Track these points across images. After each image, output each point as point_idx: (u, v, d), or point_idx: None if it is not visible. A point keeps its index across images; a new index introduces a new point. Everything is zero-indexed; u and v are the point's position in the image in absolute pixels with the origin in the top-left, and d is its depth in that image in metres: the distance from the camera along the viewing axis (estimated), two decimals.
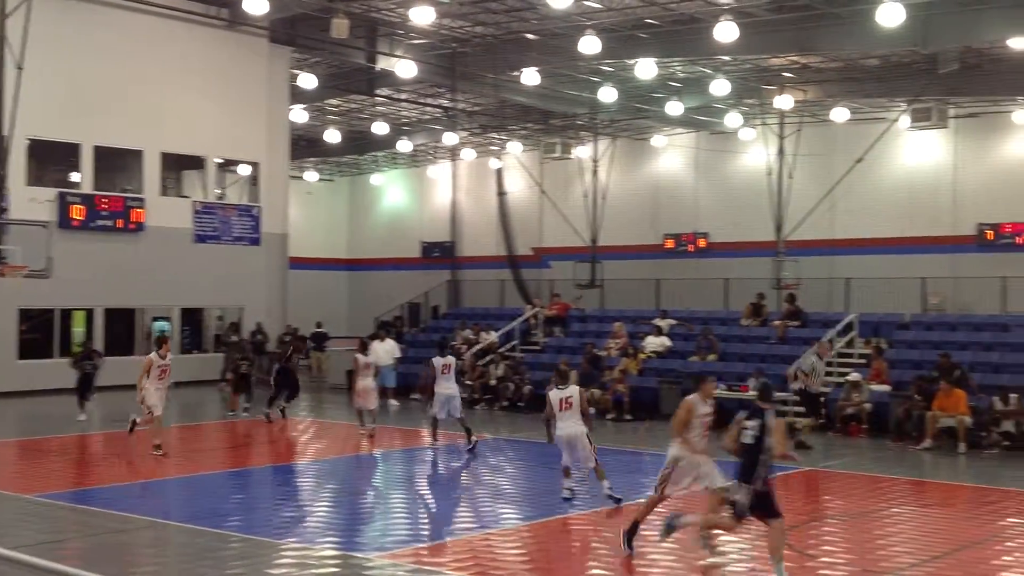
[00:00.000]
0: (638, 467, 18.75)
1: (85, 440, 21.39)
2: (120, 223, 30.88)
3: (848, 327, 26.82)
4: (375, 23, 31.32)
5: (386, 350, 28.23)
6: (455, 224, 48.28)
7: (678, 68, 33.60)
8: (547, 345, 31.22)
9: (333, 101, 39.98)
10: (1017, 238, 34.15)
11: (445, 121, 40.77)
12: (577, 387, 14.84)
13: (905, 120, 33.52)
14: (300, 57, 34.95)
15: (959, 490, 17.25)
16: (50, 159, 31.22)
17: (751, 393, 23.32)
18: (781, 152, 33.90)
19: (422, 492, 16.56)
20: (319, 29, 30.08)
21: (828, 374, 23.39)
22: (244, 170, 35.94)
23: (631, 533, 11.68)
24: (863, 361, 24.88)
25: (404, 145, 43.55)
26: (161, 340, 20.58)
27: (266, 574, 11.10)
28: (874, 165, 34.67)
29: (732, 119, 36.37)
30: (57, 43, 28.89)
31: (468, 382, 28.39)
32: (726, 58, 31.25)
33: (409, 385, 29.19)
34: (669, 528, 11.32)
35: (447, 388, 19.93)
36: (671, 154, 42.00)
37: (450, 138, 40.21)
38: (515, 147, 43.15)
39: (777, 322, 27.87)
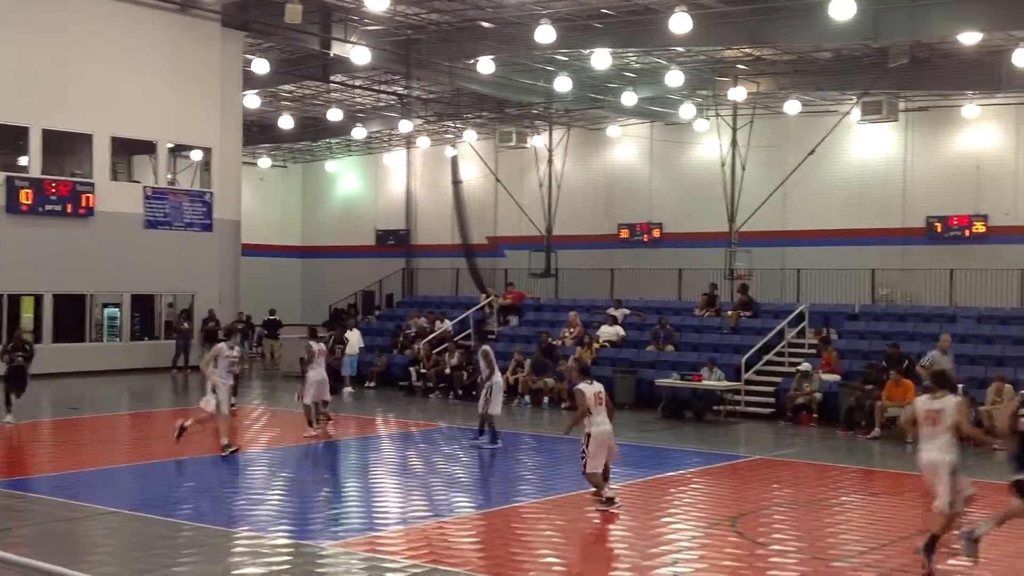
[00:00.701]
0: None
1: (35, 427, 21.05)
2: (69, 208, 30.46)
3: (799, 317, 27.12)
4: (329, 8, 31.09)
5: (356, 337, 28.39)
6: (410, 212, 48.14)
7: (633, 58, 33.69)
8: (502, 334, 31.26)
9: (287, 87, 39.64)
10: (965, 231, 34.66)
11: (400, 108, 40.62)
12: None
13: (856, 113, 33.89)
14: (253, 42, 34.62)
15: (907, 479, 17.45)
16: None
17: (709, 382, 23.60)
18: (734, 143, 34.14)
19: (376, 480, 16.51)
20: (272, 14, 29.82)
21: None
22: (196, 155, 35.59)
23: (931, 549, 10.66)
24: (814, 351, 25.17)
25: (359, 132, 43.33)
26: (230, 331, 19.76)
27: (219, 562, 11.04)
28: (825, 157, 35.03)
29: (686, 110, 36.54)
30: (5, 25, 28.43)
31: (423, 371, 28.40)
32: (680, 49, 31.36)
33: (363, 373, 29.49)
34: (972, 541, 10.64)
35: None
36: (625, 144, 42.13)
37: (405, 126, 40.06)
38: (470, 135, 43.07)
39: (729, 312, 28.10)
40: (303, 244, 52.47)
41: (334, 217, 51.39)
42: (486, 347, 20.01)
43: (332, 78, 36.83)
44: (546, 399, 25.70)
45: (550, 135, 40.55)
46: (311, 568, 10.72)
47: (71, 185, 30.73)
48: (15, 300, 30.23)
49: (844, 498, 15.21)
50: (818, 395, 23.04)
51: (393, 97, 39.61)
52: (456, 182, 45.74)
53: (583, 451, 13.43)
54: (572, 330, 28.61)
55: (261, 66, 33.28)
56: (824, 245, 36.13)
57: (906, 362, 22.00)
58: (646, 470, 16.50)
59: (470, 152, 44.36)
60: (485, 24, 31.39)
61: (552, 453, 19.00)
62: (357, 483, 16.28)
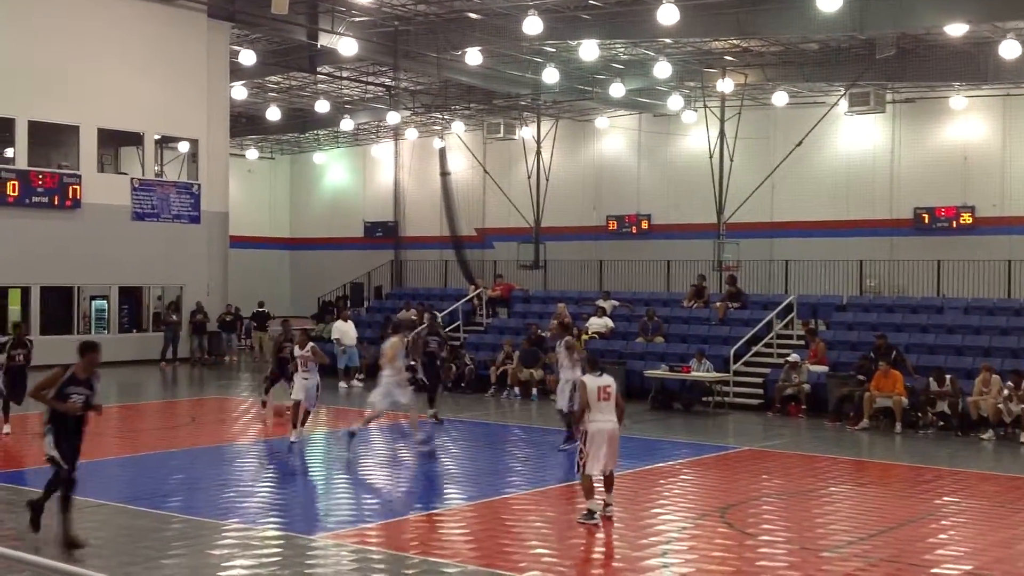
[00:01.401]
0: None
1: (23, 419, 20.95)
2: (56, 200, 30.36)
3: (787, 309, 27.20)
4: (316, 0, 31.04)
5: (350, 329, 28.31)
6: (398, 204, 48.07)
7: (621, 50, 33.70)
8: (490, 326, 31.26)
9: (274, 78, 39.56)
10: (952, 222, 34.78)
11: (388, 100, 40.54)
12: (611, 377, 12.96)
13: (843, 104, 33.95)
14: (240, 33, 34.51)
15: (895, 469, 17.59)
16: None
17: (698, 374, 23.66)
18: (722, 135, 34.17)
19: (366, 472, 16.52)
20: (259, 5, 29.71)
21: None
22: (183, 147, 35.48)
23: None
24: (802, 343, 25.24)
25: (346, 124, 43.25)
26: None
27: (209, 555, 11.03)
28: (813, 149, 35.12)
29: (674, 102, 36.57)
30: None
31: (412, 362, 28.32)
32: (668, 41, 31.40)
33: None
34: None
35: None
36: (614, 136, 42.15)
37: (393, 117, 40.02)
38: (458, 127, 43.03)
39: (718, 304, 28.16)
40: (291, 236, 52.38)
41: (322, 209, 51.30)
42: (570, 338, 19.25)
43: (319, 69, 36.77)
44: (535, 390, 25.73)
45: (538, 127, 40.54)
46: (301, 560, 10.73)
47: (58, 177, 30.62)
48: (3, 293, 30.16)
49: (833, 488, 15.26)
50: (806, 386, 23.11)
51: (381, 88, 39.54)
52: (444, 174, 45.63)
53: (581, 449, 12.50)
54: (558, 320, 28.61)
55: (248, 57, 33.15)
56: (812, 236, 36.24)
57: (894, 353, 22.08)
58: (635, 461, 16.52)
59: (458, 144, 44.31)
60: (473, 15, 31.36)
61: (540, 445, 19.02)
62: (347, 476, 16.27)
